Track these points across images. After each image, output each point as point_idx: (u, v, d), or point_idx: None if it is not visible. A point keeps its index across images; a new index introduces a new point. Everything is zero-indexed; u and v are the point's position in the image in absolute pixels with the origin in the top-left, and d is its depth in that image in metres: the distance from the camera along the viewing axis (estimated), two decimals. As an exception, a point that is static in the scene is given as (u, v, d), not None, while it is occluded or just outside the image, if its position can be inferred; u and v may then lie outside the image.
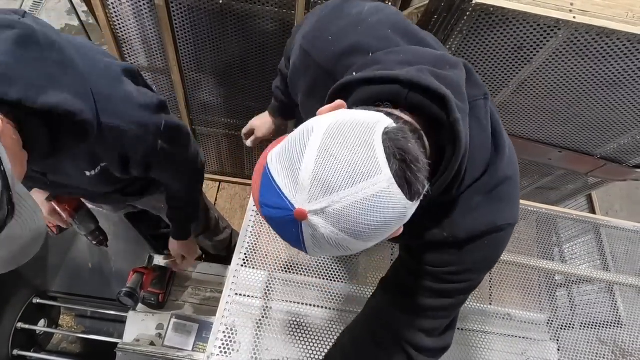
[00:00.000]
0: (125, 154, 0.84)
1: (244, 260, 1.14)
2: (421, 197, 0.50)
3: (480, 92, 0.62)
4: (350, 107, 0.56)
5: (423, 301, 0.71)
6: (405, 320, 0.73)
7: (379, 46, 0.65)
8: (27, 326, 1.67)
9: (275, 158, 0.49)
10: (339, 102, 0.56)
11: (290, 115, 1.21)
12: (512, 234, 0.70)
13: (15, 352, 1.63)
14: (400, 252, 0.77)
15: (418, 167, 0.49)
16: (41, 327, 1.78)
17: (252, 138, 1.30)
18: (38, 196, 1.15)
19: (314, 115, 0.72)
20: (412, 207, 0.49)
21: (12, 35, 0.64)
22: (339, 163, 0.45)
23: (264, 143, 1.28)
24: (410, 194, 0.48)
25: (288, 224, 0.48)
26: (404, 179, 0.47)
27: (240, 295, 1.10)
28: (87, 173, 0.87)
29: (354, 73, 0.63)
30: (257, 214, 1.22)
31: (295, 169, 0.47)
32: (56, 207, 1.18)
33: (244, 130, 1.31)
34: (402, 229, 0.55)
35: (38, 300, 1.75)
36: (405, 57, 0.62)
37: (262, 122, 1.25)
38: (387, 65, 0.61)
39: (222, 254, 1.87)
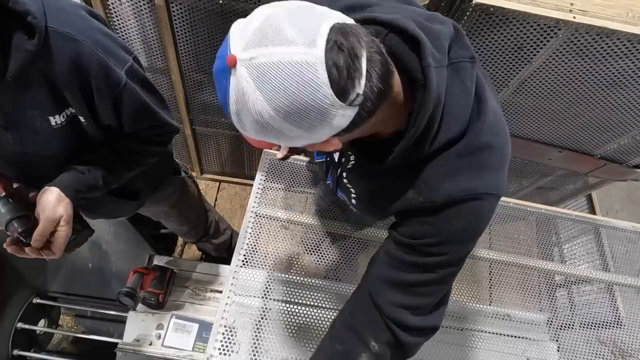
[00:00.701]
0: (86, 78, 0.75)
1: (243, 260, 1.14)
2: (351, 105, 0.49)
3: (468, 54, 0.62)
4: None
5: (404, 276, 0.69)
6: (389, 297, 0.71)
7: (378, 2, 0.66)
8: (27, 326, 1.67)
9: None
10: None
11: None
12: (495, 206, 0.67)
13: (15, 352, 1.63)
14: (388, 229, 0.76)
15: (355, 69, 0.48)
16: (41, 327, 1.78)
17: (282, 149, 1.27)
18: None
19: None
20: (338, 110, 0.49)
21: None
22: (283, 23, 0.48)
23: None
24: (337, 88, 0.47)
25: (222, 74, 0.50)
26: (335, 68, 0.47)
27: (240, 295, 1.10)
28: (53, 120, 0.78)
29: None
30: (257, 215, 1.22)
31: (249, 21, 0.50)
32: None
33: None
34: (335, 144, 0.55)
35: (38, 300, 1.75)
36: (397, 10, 0.63)
37: None
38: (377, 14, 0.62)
39: (224, 256, 1.87)
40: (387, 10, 0.62)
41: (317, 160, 1.09)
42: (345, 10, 0.64)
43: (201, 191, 2.35)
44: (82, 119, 0.82)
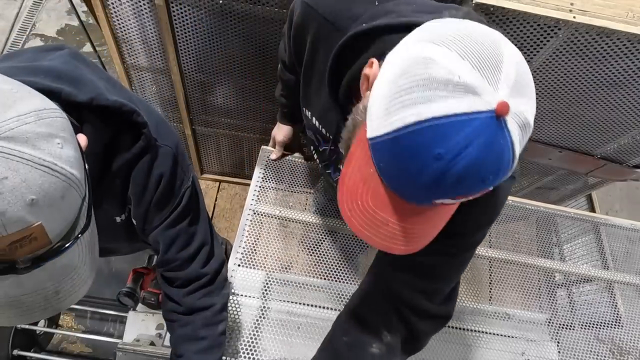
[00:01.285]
0: (148, 183, 0.73)
1: (241, 259, 1.14)
2: None
3: None
4: (374, 57, 0.52)
5: (420, 258, 0.66)
6: (403, 280, 0.69)
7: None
8: (27, 326, 1.66)
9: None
10: (371, 60, 0.52)
11: (298, 119, 1.21)
12: (510, 188, 0.66)
13: (15, 352, 1.63)
14: None
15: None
16: (41, 327, 1.78)
17: (276, 149, 1.29)
18: None
19: (317, 77, 0.68)
20: None
21: (66, 52, 0.67)
22: (528, 73, 0.46)
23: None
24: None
25: (491, 145, 0.40)
26: None
27: (238, 295, 1.10)
28: (117, 219, 0.78)
29: (364, 24, 0.59)
30: (255, 213, 1.22)
31: (455, 83, 0.40)
32: None
33: (270, 145, 1.31)
34: None
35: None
36: (417, 7, 0.59)
37: (278, 129, 1.25)
38: (402, 14, 0.58)
39: None
40: (408, 8, 0.59)
41: (322, 149, 1.09)
42: (349, 4, 0.64)
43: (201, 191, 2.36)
44: (134, 221, 0.80)
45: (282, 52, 0.97)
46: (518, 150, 0.42)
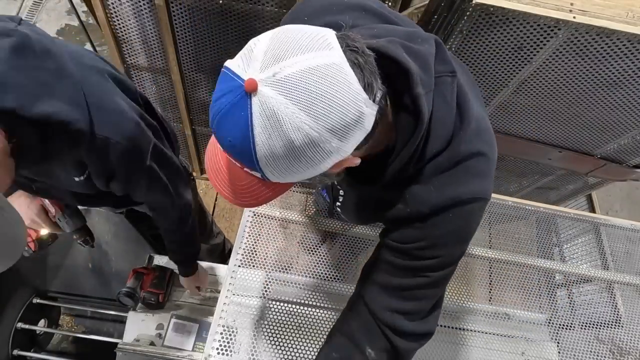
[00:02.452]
0: (112, 168, 0.83)
1: (241, 260, 1.14)
2: (374, 102, 0.50)
3: (448, 68, 0.62)
4: None
5: (398, 281, 0.70)
6: (382, 302, 0.72)
7: (354, 24, 0.65)
8: (27, 326, 1.67)
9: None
10: None
11: None
12: (484, 210, 0.67)
13: (15, 352, 1.63)
14: (379, 235, 0.76)
15: (371, 67, 0.50)
16: (41, 327, 1.78)
17: None
18: (23, 200, 1.11)
19: None
20: (368, 107, 0.49)
21: (9, 43, 0.64)
22: (292, 36, 0.47)
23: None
24: (364, 84, 0.48)
25: (236, 109, 0.46)
26: (357, 66, 0.48)
27: (238, 295, 1.10)
28: (76, 178, 0.86)
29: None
30: (255, 214, 1.22)
31: (249, 50, 0.48)
32: (45, 203, 1.14)
33: None
34: (354, 160, 0.55)
35: (38, 300, 1.75)
36: (377, 32, 0.62)
37: None
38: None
39: (217, 262, 1.86)
40: (368, 33, 0.62)
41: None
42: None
43: (201, 191, 2.36)
44: (95, 181, 0.88)
45: None
46: (258, 135, 0.46)
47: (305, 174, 0.52)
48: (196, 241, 1.26)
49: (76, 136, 0.71)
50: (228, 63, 0.49)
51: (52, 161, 0.74)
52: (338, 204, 0.84)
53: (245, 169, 0.52)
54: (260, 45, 0.48)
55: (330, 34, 0.49)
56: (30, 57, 0.66)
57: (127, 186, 0.90)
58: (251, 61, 0.47)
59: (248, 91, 0.45)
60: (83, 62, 0.78)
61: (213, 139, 0.61)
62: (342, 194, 0.82)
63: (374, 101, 0.50)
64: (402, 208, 0.65)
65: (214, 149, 0.61)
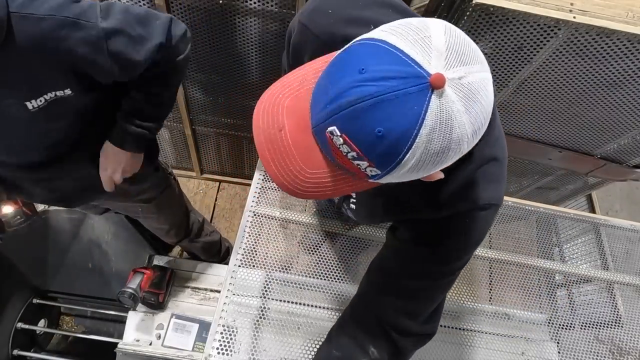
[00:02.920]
0: (62, 51, 0.73)
1: (241, 260, 1.14)
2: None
3: None
4: None
5: (404, 282, 0.70)
6: (388, 302, 0.72)
7: (382, 20, 0.62)
8: (27, 326, 1.67)
9: (383, 33, 0.44)
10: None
11: None
12: (495, 216, 0.68)
13: (15, 352, 1.64)
14: (387, 234, 0.76)
15: None
16: (41, 327, 1.78)
17: None
18: None
19: None
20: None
21: None
22: (467, 42, 0.44)
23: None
24: None
25: (409, 100, 0.40)
26: None
27: (238, 295, 1.10)
28: (29, 105, 0.77)
29: None
30: (255, 214, 1.22)
31: (424, 37, 0.42)
32: None
33: None
34: (440, 173, 0.52)
35: (38, 300, 1.75)
36: None
37: None
38: None
39: (215, 261, 1.86)
40: None
41: None
42: (343, 26, 0.64)
43: (201, 191, 2.36)
44: (68, 91, 0.80)
45: (285, 65, 0.98)
46: (425, 134, 0.41)
47: (411, 176, 0.48)
48: (170, 98, 1.02)
49: None
50: (394, 41, 0.42)
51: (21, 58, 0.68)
52: (352, 200, 0.83)
53: (350, 160, 0.45)
54: (436, 36, 0.42)
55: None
56: None
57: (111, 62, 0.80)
58: (432, 52, 0.41)
59: (434, 87, 0.40)
60: None
61: (279, 97, 0.52)
62: (354, 197, 0.82)
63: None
64: (417, 207, 0.65)
65: (276, 114, 0.51)
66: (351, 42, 0.47)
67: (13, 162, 0.94)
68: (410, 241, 0.68)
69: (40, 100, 0.79)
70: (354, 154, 0.44)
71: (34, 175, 0.98)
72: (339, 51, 0.48)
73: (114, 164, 1.02)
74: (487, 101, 0.44)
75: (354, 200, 0.83)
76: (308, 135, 0.49)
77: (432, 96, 0.40)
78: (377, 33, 0.45)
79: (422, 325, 0.73)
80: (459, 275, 0.72)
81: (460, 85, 0.41)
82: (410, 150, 0.42)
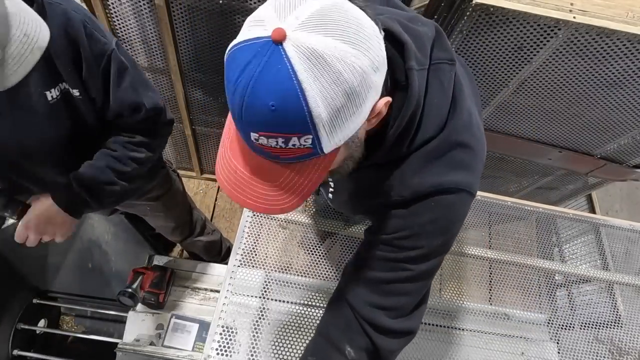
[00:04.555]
0: (76, 47, 0.79)
1: (241, 260, 1.14)
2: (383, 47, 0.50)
3: (447, 56, 0.62)
4: None
5: (379, 274, 0.69)
6: (363, 296, 0.70)
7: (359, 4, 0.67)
8: (27, 326, 1.67)
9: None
10: None
11: None
12: (468, 204, 0.66)
13: (15, 352, 1.63)
14: (364, 232, 0.75)
15: (373, 13, 0.50)
16: (41, 327, 1.78)
17: None
18: None
19: None
20: (382, 49, 0.49)
21: None
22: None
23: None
24: (372, 19, 0.49)
25: (271, 67, 0.43)
26: (361, 8, 0.49)
27: (238, 295, 1.10)
28: (49, 95, 0.80)
29: None
30: (255, 214, 1.22)
31: (255, 18, 0.47)
32: None
33: None
34: (381, 111, 0.53)
35: (38, 300, 1.75)
36: (380, 11, 0.63)
37: None
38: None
39: (216, 260, 1.86)
40: (371, 12, 0.63)
41: None
42: None
43: (201, 191, 2.36)
44: (75, 92, 0.85)
45: None
46: (305, 79, 0.43)
47: (355, 121, 0.49)
48: (137, 176, 1.01)
49: None
50: (236, 40, 0.47)
51: None
52: (330, 190, 0.83)
53: (286, 148, 0.47)
54: (265, 8, 0.46)
55: None
56: None
57: (102, 75, 0.84)
58: (265, 21, 0.44)
59: (277, 40, 0.42)
60: None
61: (223, 150, 0.57)
62: (332, 185, 0.82)
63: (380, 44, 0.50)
64: (386, 193, 0.65)
65: (227, 162, 0.56)
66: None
67: (24, 163, 0.92)
68: (381, 231, 0.67)
69: (57, 91, 0.82)
70: (281, 139, 0.46)
71: (42, 179, 0.98)
72: None
73: (45, 225, 0.94)
74: (346, 17, 0.45)
75: (332, 190, 0.83)
76: (252, 157, 0.53)
77: (285, 48, 0.42)
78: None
79: (400, 322, 0.70)
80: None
81: (301, 23, 0.43)
82: (308, 97, 0.43)
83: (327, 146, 0.49)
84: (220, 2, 1.26)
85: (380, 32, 0.50)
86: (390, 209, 0.66)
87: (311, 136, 0.46)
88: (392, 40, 0.56)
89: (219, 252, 1.89)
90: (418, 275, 0.68)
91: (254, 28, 0.45)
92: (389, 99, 0.54)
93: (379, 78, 0.49)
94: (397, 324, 0.70)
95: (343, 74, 0.44)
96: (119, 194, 0.99)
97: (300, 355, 1.03)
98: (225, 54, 0.48)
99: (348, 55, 0.44)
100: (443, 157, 0.62)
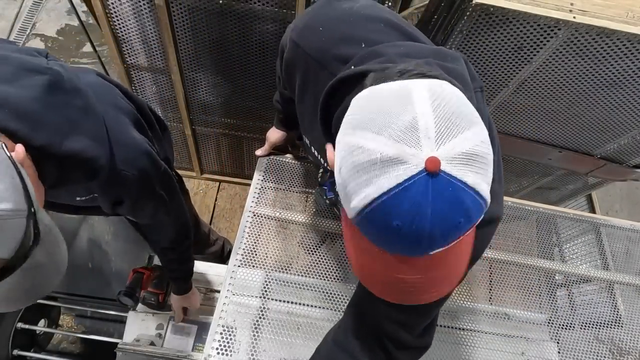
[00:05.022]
0: (121, 196, 0.85)
1: (241, 260, 1.14)
2: None
3: (478, 84, 0.63)
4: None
5: None
6: (384, 311, 0.70)
7: (373, 38, 0.64)
8: (27, 326, 1.67)
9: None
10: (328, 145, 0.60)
11: (293, 126, 1.20)
12: (496, 229, 0.68)
13: (15, 352, 1.63)
14: None
15: None
16: (41, 327, 1.78)
17: (264, 147, 1.29)
18: None
19: (309, 113, 0.69)
20: None
21: (43, 81, 0.66)
22: (454, 102, 0.44)
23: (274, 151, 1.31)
24: None
25: (433, 188, 0.41)
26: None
27: (238, 295, 1.10)
28: (78, 198, 0.87)
29: (353, 66, 0.61)
30: (255, 215, 1.22)
31: (410, 127, 0.42)
32: None
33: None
34: None
35: (38, 300, 1.75)
36: (405, 49, 0.61)
37: (273, 132, 1.25)
38: (390, 58, 0.59)
39: (218, 261, 1.86)
40: (395, 52, 0.60)
41: (321, 169, 1.10)
42: (335, 45, 0.64)
43: (201, 191, 2.36)
44: (102, 205, 0.89)
45: (279, 71, 0.97)
46: (480, 181, 0.43)
47: None
48: (192, 258, 1.28)
49: (96, 169, 0.74)
50: (378, 190, 0.42)
51: (64, 187, 0.75)
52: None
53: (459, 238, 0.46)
54: (381, 145, 0.42)
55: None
56: (61, 94, 0.69)
57: (133, 212, 0.93)
58: (401, 154, 0.41)
59: (432, 171, 0.40)
60: (101, 95, 0.81)
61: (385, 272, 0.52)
62: None
63: None
64: None
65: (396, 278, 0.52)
66: (360, 214, 0.46)
67: None
68: None
69: (87, 195, 0.85)
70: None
71: None
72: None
73: (182, 304, 1.40)
74: (488, 154, 0.44)
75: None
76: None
77: (430, 179, 0.41)
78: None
79: (417, 339, 0.71)
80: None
81: (457, 156, 0.41)
82: (481, 193, 0.44)
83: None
84: (220, 2, 1.26)
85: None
86: None
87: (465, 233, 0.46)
88: None
89: (220, 257, 1.90)
90: (441, 299, 0.68)
91: (392, 170, 0.42)
92: None
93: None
94: (415, 340, 0.71)
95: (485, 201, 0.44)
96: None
97: (300, 355, 1.03)
98: (370, 205, 0.44)
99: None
100: None
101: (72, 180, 0.73)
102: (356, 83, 0.57)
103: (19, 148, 0.61)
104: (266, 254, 1.18)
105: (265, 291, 1.13)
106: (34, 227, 0.56)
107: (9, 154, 0.56)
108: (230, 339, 1.03)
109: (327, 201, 1.03)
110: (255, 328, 1.07)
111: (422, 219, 0.42)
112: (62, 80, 0.69)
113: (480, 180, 0.43)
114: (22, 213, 0.54)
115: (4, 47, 0.72)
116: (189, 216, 1.13)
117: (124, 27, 1.43)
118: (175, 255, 1.17)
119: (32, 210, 0.55)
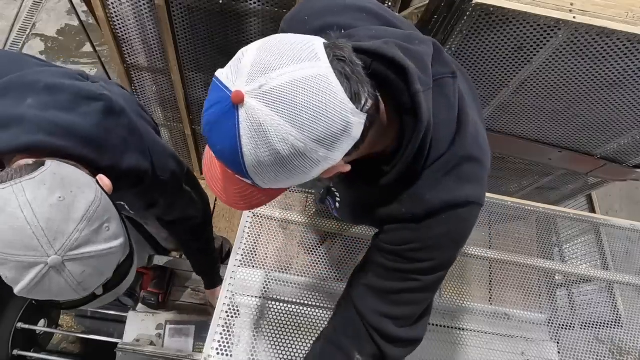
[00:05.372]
0: (156, 199, 0.92)
1: (241, 260, 1.14)
2: (362, 111, 0.50)
3: (448, 70, 0.62)
4: None
5: (388, 284, 0.69)
6: (373, 306, 0.71)
7: (355, 26, 0.66)
8: (27, 326, 1.66)
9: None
10: None
11: None
12: (477, 215, 0.68)
13: (15, 352, 1.63)
14: (372, 240, 0.76)
15: (359, 75, 0.50)
16: (41, 327, 1.78)
17: None
18: None
19: None
20: (355, 117, 0.49)
21: (99, 107, 0.74)
22: (280, 48, 0.48)
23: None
24: (350, 94, 0.48)
25: (225, 119, 0.47)
26: (344, 76, 0.49)
27: (238, 295, 1.10)
28: (131, 211, 0.95)
29: None
30: (255, 215, 1.22)
31: (238, 60, 0.49)
32: None
33: None
34: (345, 166, 0.56)
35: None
36: (376, 32, 0.63)
37: None
38: (359, 38, 0.61)
39: None
40: (366, 34, 0.62)
41: None
42: (317, 33, 0.65)
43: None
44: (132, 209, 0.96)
45: None
46: (246, 145, 0.47)
47: (294, 180, 0.53)
48: (214, 248, 1.33)
49: (141, 179, 0.82)
50: (218, 73, 0.50)
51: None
52: (337, 200, 0.83)
53: (236, 175, 0.53)
54: (248, 55, 0.49)
55: (318, 44, 0.50)
56: (114, 117, 0.77)
57: (165, 210, 0.99)
58: (239, 72, 0.48)
59: (235, 103, 0.46)
60: (130, 106, 0.85)
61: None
62: (338, 196, 0.82)
63: (361, 110, 0.50)
64: (397, 208, 0.65)
65: (209, 154, 0.62)
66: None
67: None
68: (393, 242, 0.68)
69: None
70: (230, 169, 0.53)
71: None
72: None
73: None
74: (304, 99, 0.46)
75: (338, 200, 0.83)
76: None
77: (239, 111, 0.46)
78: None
79: (407, 331, 0.72)
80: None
81: (262, 93, 0.46)
82: (245, 159, 0.49)
83: (267, 187, 0.54)
84: (220, 2, 1.26)
85: (365, 101, 0.51)
86: (401, 222, 0.66)
87: (249, 180, 0.52)
88: (393, 66, 0.56)
89: (220, 256, 1.89)
90: (426, 286, 0.70)
91: (232, 71, 0.49)
92: (348, 167, 0.57)
93: (333, 152, 0.51)
94: (405, 332, 0.71)
95: (280, 152, 0.47)
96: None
97: (300, 355, 1.03)
98: (217, 72, 0.52)
99: (290, 138, 0.47)
100: (453, 172, 0.63)
101: (119, 188, 0.78)
102: None
103: (106, 180, 0.70)
104: (266, 254, 1.18)
105: (265, 291, 1.13)
106: (130, 251, 0.74)
107: (105, 192, 0.67)
108: (230, 339, 1.03)
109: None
110: (255, 328, 1.07)
111: (208, 114, 0.50)
112: (113, 104, 0.76)
113: (281, 121, 0.46)
114: (126, 241, 0.70)
115: (51, 72, 0.77)
116: (209, 206, 1.19)
117: (124, 27, 1.43)
118: (200, 245, 1.22)
119: (127, 236, 0.71)
